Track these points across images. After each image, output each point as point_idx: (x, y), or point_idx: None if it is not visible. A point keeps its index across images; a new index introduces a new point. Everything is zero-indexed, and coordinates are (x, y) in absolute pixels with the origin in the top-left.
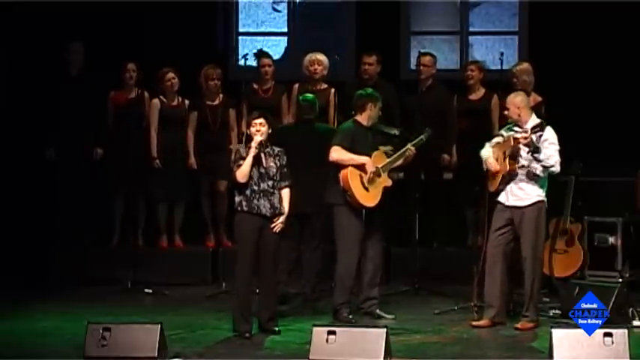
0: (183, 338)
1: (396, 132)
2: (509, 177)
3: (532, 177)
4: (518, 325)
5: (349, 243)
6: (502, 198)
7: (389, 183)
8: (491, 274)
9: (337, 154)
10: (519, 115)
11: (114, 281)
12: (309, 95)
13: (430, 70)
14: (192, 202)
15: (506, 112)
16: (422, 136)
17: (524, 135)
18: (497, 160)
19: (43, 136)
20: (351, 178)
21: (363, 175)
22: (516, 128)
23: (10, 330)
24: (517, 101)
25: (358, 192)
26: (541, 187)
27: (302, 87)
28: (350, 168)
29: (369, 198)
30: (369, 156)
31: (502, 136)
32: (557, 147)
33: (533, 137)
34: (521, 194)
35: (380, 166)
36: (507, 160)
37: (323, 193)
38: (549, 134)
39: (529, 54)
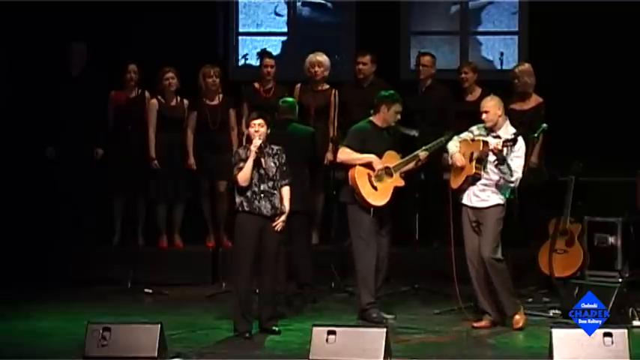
0: (183, 338)
1: (415, 133)
2: (473, 179)
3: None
4: (514, 327)
5: (365, 239)
6: (465, 200)
7: (401, 183)
8: (479, 287)
9: (342, 155)
10: (499, 118)
11: (114, 281)
12: (290, 99)
13: (430, 70)
14: (192, 202)
15: (484, 117)
16: (441, 139)
17: (496, 146)
18: (463, 155)
19: (44, 135)
20: (358, 177)
21: (372, 174)
22: (491, 136)
23: (10, 330)
24: (497, 105)
25: (366, 191)
26: (501, 191)
27: (303, 88)
28: (357, 167)
29: (378, 197)
30: (381, 156)
31: (472, 132)
32: (523, 161)
33: (505, 150)
34: (483, 195)
35: (392, 165)
36: (473, 163)
37: (303, 192)
38: (520, 144)
39: (529, 54)
